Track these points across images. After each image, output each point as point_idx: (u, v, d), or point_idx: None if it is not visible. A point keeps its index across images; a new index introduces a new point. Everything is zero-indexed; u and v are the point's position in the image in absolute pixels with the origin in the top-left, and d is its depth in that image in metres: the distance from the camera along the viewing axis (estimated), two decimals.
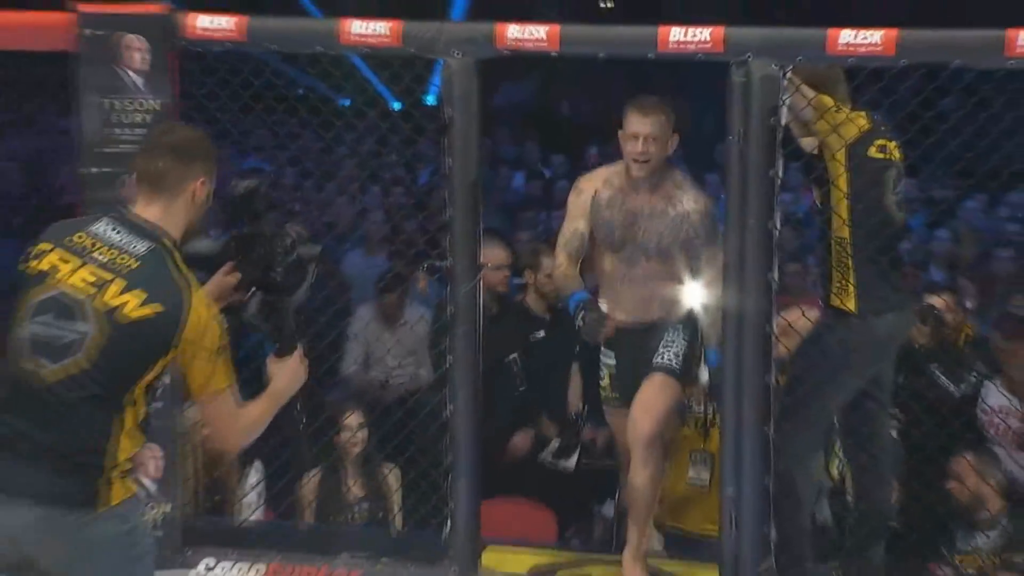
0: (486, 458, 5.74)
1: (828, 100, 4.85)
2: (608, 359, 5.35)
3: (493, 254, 6.15)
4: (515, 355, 6.36)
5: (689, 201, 5.15)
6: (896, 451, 5.39)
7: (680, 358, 5.11)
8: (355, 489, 5.82)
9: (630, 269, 5.20)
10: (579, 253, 5.26)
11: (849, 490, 5.33)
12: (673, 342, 5.14)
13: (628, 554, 5.17)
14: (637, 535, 5.15)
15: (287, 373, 3.70)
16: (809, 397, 4.93)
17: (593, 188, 5.25)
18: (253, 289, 3.59)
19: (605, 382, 5.38)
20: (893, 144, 4.92)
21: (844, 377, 4.90)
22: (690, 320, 5.18)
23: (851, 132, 4.82)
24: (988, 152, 5.19)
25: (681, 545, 5.68)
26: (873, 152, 4.85)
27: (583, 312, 5.01)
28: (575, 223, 5.27)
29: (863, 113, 4.90)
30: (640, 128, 5.09)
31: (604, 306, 5.15)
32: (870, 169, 4.81)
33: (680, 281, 5.16)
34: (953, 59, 4.76)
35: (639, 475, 5.08)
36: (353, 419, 5.91)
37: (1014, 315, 6.61)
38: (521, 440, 6.37)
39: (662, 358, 5.12)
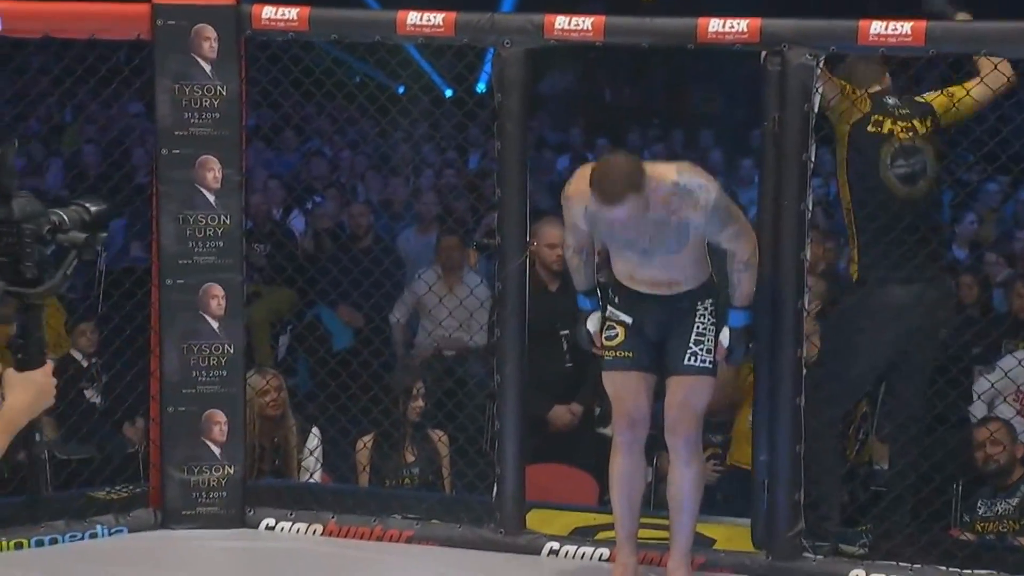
0: (533, 425, 5.78)
1: (843, 81, 4.88)
2: (621, 315, 4.66)
3: (549, 233, 6.11)
4: (566, 331, 6.22)
5: (688, 207, 4.48)
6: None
7: (713, 353, 4.64)
8: (407, 454, 5.84)
9: (643, 264, 4.60)
10: (584, 241, 4.69)
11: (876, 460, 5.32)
12: (704, 335, 4.61)
13: (679, 562, 4.69)
14: (687, 541, 4.68)
15: (28, 390, 2.64)
16: (831, 364, 4.93)
17: (581, 206, 4.56)
18: None
19: (616, 340, 4.65)
20: (891, 120, 4.89)
21: (857, 343, 4.87)
22: (711, 292, 4.68)
23: (855, 114, 4.83)
24: (1013, 138, 5.15)
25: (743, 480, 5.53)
26: (869, 128, 4.85)
27: (581, 324, 4.71)
28: (575, 221, 4.62)
29: (868, 97, 4.88)
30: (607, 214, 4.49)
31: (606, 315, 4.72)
32: (865, 145, 4.83)
33: (699, 260, 4.63)
34: (981, 49, 4.73)
35: (685, 475, 4.63)
36: (418, 389, 5.91)
37: None
38: (562, 412, 6.32)
39: (696, 359, 4.61)
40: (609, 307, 4.68)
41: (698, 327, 4.61)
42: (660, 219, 4.46)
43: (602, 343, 4.68)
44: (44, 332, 2.70)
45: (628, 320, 4.65)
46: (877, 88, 4.95)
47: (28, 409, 2.63)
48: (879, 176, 4.87)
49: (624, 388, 4.65)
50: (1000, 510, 5.29)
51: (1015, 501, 5.29)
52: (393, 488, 5.70)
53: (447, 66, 5.65)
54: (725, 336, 4.63)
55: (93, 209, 2.72)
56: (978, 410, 5.71)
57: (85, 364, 6.56)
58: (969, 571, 4.80)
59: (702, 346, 4.60)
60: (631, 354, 4.64)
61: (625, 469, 4.67)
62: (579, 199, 4.53)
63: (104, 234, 2.72)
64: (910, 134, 4.88)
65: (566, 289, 5.99)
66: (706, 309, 4.63)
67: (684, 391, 4.60)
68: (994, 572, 4.78)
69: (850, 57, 4.94)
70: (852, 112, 4.86)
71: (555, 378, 6.19)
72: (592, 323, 4.69)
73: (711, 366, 4.62)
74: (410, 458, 5.82)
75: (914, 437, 5.10)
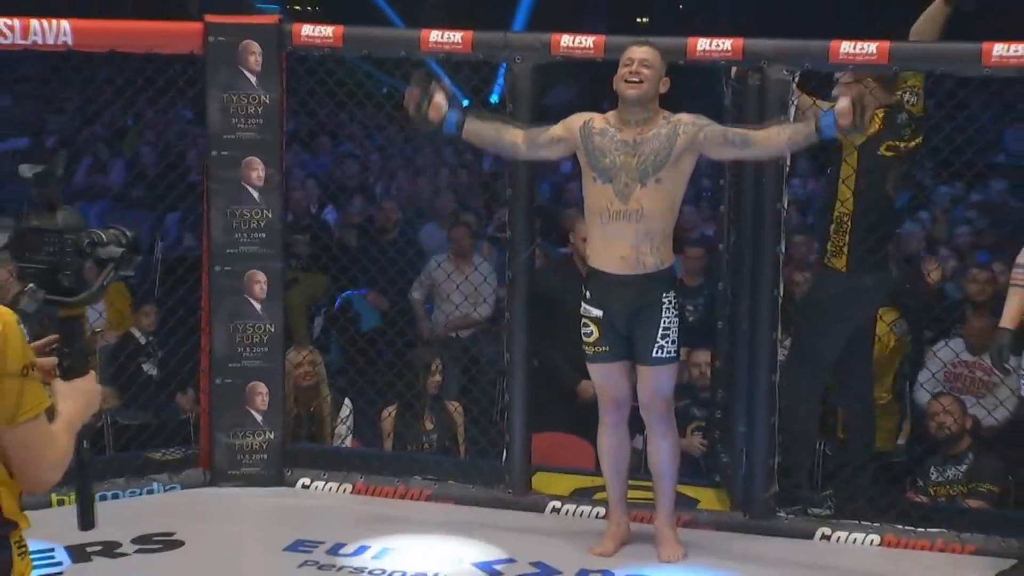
0: (564, 397, 5.75)
1: (881, 111, 4.78)
2: (593, 310, 4.53)
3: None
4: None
5: (683, 120, 4.45)
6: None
7: (677, 343, 4.54)
8: (427, 423, 5.84)
9: (623, 204, 4.41)
10: (532, 134, 4.60)
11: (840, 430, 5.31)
12: (669, 329, 4.47)
13: (664, 521, 4.67)
14: (670, 502, 4.66)
15: (79, 398, 2.47)
16: (807, 345, 4.91)
17: (584, 119, 4.53)
18: (32, 286, 2.46)
19: (593, 337, 4.55)
20: (903, 143, 4.80)
21: (836, 325, 4.87)
22: (673, 283, 4.56)
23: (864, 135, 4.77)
24: (965, 146, 5.12)
25: None
26: (883, 151, 4.79)
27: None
28: (551, 128, 4.55)
29: (880, 116, 4.75)
30: (634, 53, 4.46)
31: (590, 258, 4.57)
32: (875, 166, 4.77)
33: (667, 229, 4.48)
34: (938, 66, 4.72)
35: (663, 447, 4.59)
36: (436, 366, 5.90)
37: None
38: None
39: (663, 352, 4.48)
40: (583, 304, 4.56)
41: (664, 321, 4.48)
42: (651, 133, 4.43)
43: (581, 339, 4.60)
44: (84, 341, 2.53)
45: (599, 314, 4.51)
46: (889, 101, 4.81)
47: (80, 415, 2.47)
48: (885, 189, 4.83)
49: (607, 377, 4.60)
50: (950, 475, 5.28)
51: (963, 468, 5.27)
52: (414, 452, 5.70)
53: (464, 79, 5.64)
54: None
55: (130, 234, 2.58)
56: (929, 385, 5.71)
57: (143, 341, 6.54)
58: (923, 529, 4.81)
59: (668, 339, 4.49)
60: (607, 348, 4.54)
61: (612, 444, 4.67)
62: (584, 115, 4.57)
63: (139, 257, 2.58)
64: (909, 150, 4.84)
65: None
66: (670, 302, 4.49)
67: (654, 380, 4.52)
68: (944, 530, 4.79)
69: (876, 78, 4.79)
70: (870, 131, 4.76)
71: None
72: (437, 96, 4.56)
73: (675, 355, 4.54)
74: (429, 426, 5.81)
75: (868, 407, 5.10)
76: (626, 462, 4.71)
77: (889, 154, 4.79)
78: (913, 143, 4.83)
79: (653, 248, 4.44)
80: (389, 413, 5.86)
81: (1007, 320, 4.46)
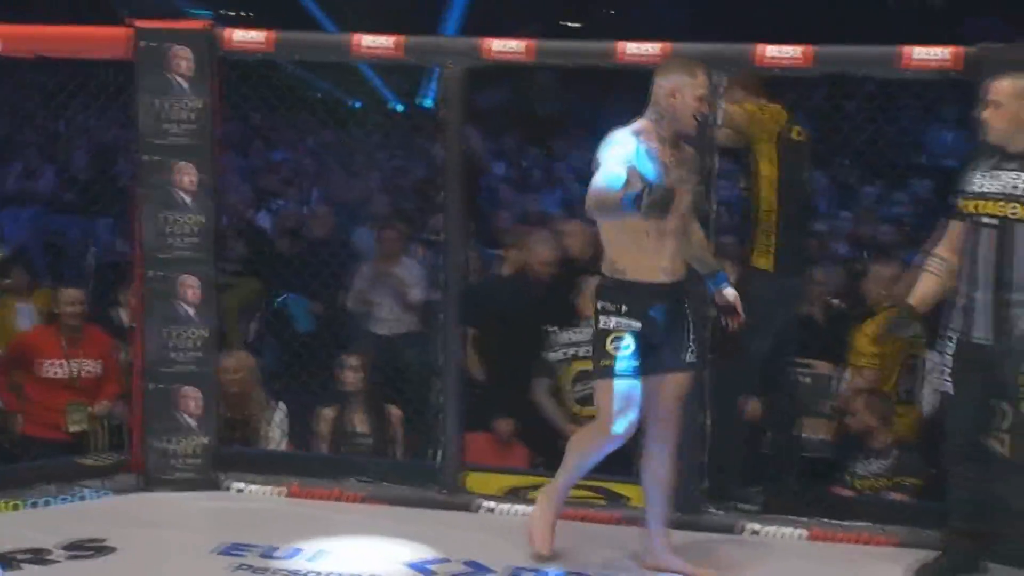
0: (523, 406, 5.77)
1: (752, 107, 4.88)
2: (632, 322, 4.28)
3: (542, 252, 6.03)
4: (554, 328, 6.11)
5: (689, 153, 4.38)
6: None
7: (700, 349, 4.45)
8: (361, 425, 5.82)
9: (664, 223, 4.22)
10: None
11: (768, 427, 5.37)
12: (695, 332, 4.40)
13: (663, 529, 4.53)
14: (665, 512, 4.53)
15: None
16: (733, 348, 4.94)
17: (634, 141, 4.24)
18: None
19: (628, 350, 4.27)
20: (801, 128, 4.94)
21: (763, 325, 4.91)
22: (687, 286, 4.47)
23: (775, 126, 4.84)
24: (887, 147, 5.22)
25: None
26: (795, 135, 4.87)
27: (649, 190, 3.99)
28: (616, 169, 4.16)
29: (779, 105, 4.90)
30: (707, 86, 4.31)
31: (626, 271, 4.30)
32: (795, 149, 4.84)
33: (689, 235, 4.44)
34: (858, 69, 4.79)
35: (670, 458, 4.44)
36: (351, 360, 5.88)
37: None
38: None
39: (693, 356, 4.40)
40: (615, 318, 4.29)
41: (690, 324, 4.39)
42: (679, 159, 4.31)
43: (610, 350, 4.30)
44: None
45: (637, 326, 4.28)
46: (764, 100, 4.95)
47: None
48: (802, 178, 4.90)
49: (631, 397, 4.30)
50: (875, 470, 5.35)
51: (887, 462, 5.35)
52: (348, 455, 5.68)
53: (398, 83, 5.66)
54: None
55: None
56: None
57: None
58: (848, 523, 4.87)
59: (696, 342, 4.41)
60: (639, 363, 4.30)
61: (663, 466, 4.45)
62: (630, 136, 4.25)
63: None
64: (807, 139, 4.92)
65: (554, 294, 5.97)
66: (688, 306, 4.41)
67: (682, 387, 4.41)
68: (869, 523, 4.86)
69: (735, 80, 4.90)
70: (771, 126, 4.85)
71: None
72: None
73: (700, 363, 4.51)
74: (364, 429, 5.79)
75: (794, 405, 5.16)
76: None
77: (800, 139, 4.87)
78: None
79: (684, 263, 4.41)
80: (325, 416, 5.84)
81: (915, 298, 4.48)
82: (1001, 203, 4.24)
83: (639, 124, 4.32)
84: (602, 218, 4.28)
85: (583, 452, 4.50)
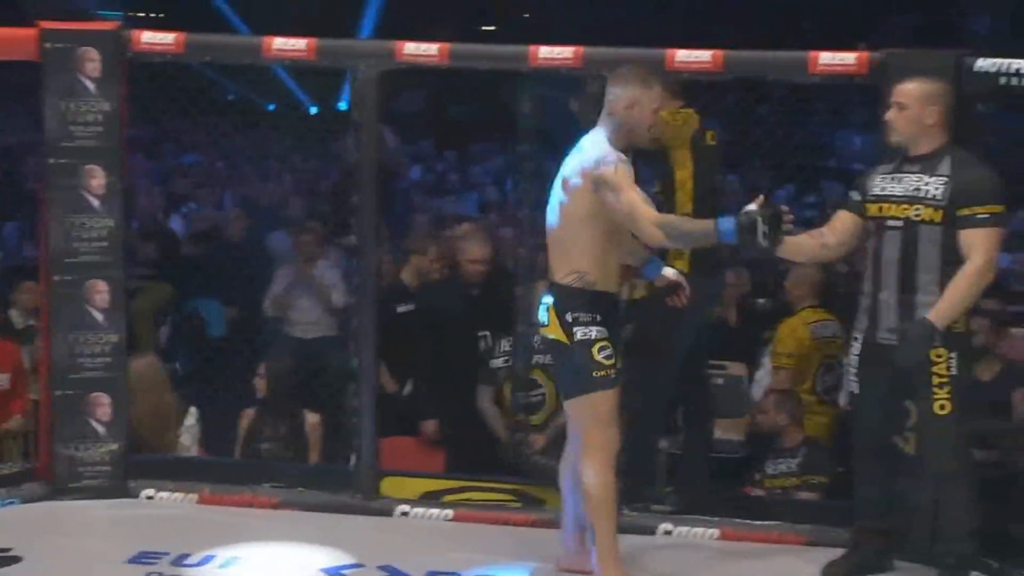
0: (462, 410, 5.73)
1: (666, 113, 4.90)
2: (600, 331, 4.21)
3: (473, 250, 5.94)
4: (485, 332, 5.90)
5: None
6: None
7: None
8: (272, 433, 5.76)
9: (622, 237, 4.28)
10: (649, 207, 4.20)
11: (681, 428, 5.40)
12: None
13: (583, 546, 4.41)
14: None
15: None
16: (650, 345, 4.96)
17: (622, 157, 4.21)
18: None
19: (613, 360, 4.21)
20: (715, 132, 4.98)
21: (676, 327, 4.94)
22: None
23: (689, 131, 4.89)
24: (797, 151, 5.28)
25: None
26: (708, 139, 4.92)
27: (758, 221, 3.90)
28: (635, 190, 4.13)
29: (692, 110, 4.94)
30: (661, 101, 4.33)
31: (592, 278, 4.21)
32: (708, 153, 4.88)
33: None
34: (768, 74, 4.85)
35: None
36: (262, 369, 5.83)
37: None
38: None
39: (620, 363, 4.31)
40: (594, 328, 4.20)
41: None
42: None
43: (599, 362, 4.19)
44: None
45: (607, 332, 4.23)
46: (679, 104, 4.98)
47: None
48: (715, 181, 4.94)
49: (615, 406, 4.24)
50: (784, 469, 5.42)
51: (797, 461, 5.42)
52: (262, 460, 5.63)
53: (312, 86, 5.63)
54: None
55: None
56: (764, 381, 5.87)
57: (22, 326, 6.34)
58: (759, 522, 4.93)
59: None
60: (618, 368, 4.26)
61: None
62: (618, 153, 4.19)
63: None
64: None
65: (486, 295, 5.95)
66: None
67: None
68: (779, 522, 4.92)
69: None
70: (684, 131, 4.88)
71: (473, 371, 5.94)
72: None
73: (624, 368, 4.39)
74: (276, 436, 5.73)
75: (707, 406, 5.20)
76: None
77: (713, 143, 4.92)
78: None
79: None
80: (247, 415, 5.78)
81: (786, 245, 4.28)
82: (904, 206, 4.31)
83: (607, 135, 4.24)
84: (674, 245, 4.25)
85: (602, 486, 4.21)
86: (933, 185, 4.26)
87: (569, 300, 4.22)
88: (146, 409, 5.64)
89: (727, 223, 3.99)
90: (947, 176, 4.25)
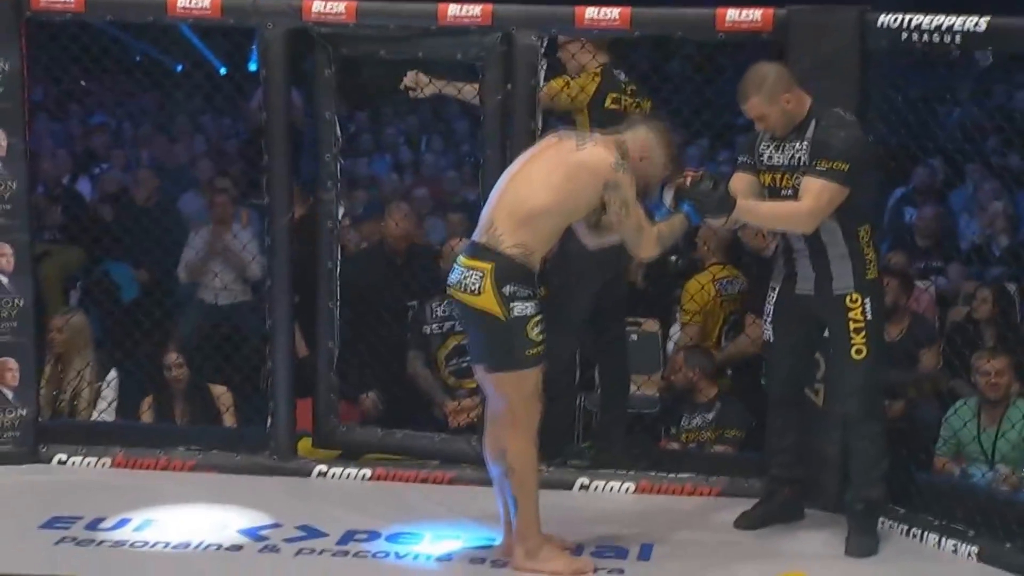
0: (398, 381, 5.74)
1: (557, 82, 4.91)
2: (535, 306, 4.07)
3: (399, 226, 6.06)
4: (413, 303, 5.91)
5: None
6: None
7: None
8: (182, 416, 5.71)
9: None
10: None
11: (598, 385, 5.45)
12: None
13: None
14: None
15: None
16: (559, 305, 4.96)
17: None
18: None
19: (542, 337, 4.09)
20: (626, 96, 4.97)
21: (582, 287, 4.95)
22: None
23: (585, 96, 4.90)
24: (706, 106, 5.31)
25: None
26: (608, 104, 4.92)
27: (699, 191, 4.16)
28: (640, 206, 4.17)
29: (596, 73, 4.93)
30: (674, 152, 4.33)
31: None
32: (607, 119, 4.88)
33: None
34: (676, 31, 4.87)
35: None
36: (172, 357, 5.78)
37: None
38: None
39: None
40: (531, 303, 4.04)
41: None
42: None
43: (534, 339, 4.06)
44: None
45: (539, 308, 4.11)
46: (604, 60, 4.97)
47: None
48: None
49: (540, 381, 4.15)
50: (699, 423, 5.49)
51: (711, 415, 5.49)
52: (176, 425, 5.58)
53: (218, 45, 5.53)
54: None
55: None
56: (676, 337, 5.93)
57: None
58: (674, 475, 4.99)
59: None
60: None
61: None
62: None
63: None
64: (637, 110, 4.95)
65: (410, 264, 5.92)
66: None
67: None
68: (693, 475, 4.99)
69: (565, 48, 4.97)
70: (581, 97, 4.90)
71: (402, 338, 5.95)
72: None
73: None
74: (185, 418, 5.69)
75: (623, 361, 5.23)
76: None
77: (614, 107, 4.92)
78: (636, 106, 4.96)
79: None
80: (146, 402, 5.74)
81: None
82: (787, 176, 4.36)
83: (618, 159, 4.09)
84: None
85: (526, 458, 4.12)
86: (804, 151, 4.31)
87: (510, 271, 4.00)
88: (80, 365, 5.57)
89: (688, 207, 4.21)
90: (809, 139, 4.31)
